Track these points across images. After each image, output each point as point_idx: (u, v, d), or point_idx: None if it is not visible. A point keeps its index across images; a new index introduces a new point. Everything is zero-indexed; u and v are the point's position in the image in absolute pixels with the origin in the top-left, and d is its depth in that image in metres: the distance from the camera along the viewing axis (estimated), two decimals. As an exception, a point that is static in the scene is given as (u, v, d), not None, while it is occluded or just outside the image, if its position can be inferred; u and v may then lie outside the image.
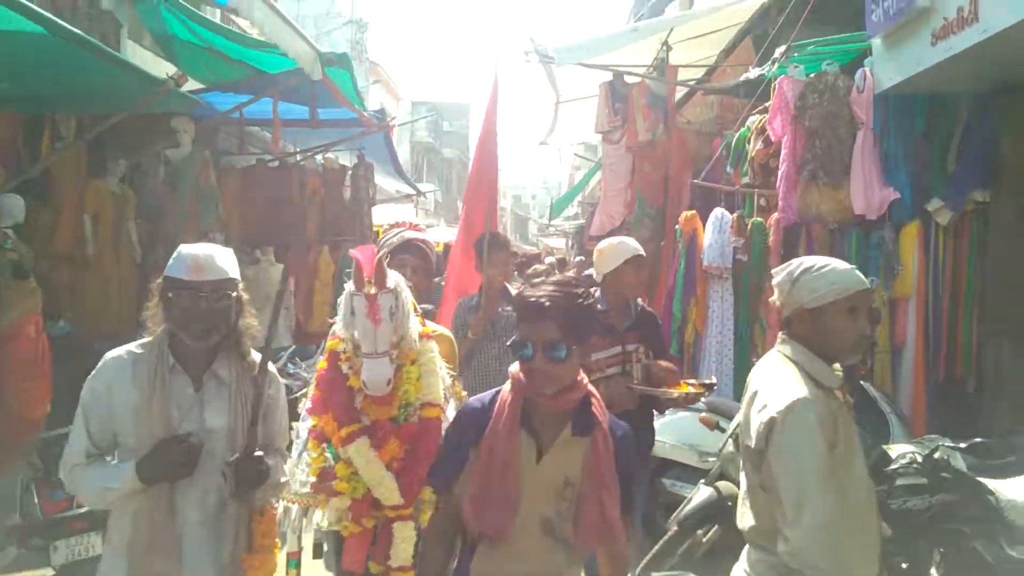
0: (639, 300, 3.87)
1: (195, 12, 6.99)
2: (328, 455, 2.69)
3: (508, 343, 2.11)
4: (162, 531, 2.23)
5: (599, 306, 3.31)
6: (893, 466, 3.34)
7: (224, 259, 2.35)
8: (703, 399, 5.31)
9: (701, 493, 4.22)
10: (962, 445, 3.44)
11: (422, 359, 2.70)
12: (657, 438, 5.06)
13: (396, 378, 2.58)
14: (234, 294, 2.36)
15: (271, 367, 2.49)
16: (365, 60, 22.59)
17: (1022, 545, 3.19)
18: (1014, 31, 3.77)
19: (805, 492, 2.09)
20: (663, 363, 3.55)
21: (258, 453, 2.31)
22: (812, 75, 5.42)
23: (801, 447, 2.11)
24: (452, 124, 38.06)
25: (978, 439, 3.57)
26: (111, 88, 4.73)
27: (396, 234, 3.36)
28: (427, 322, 3.00)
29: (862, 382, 4.92)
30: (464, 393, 3.12)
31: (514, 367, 2.07)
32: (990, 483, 3.29)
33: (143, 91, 4.50)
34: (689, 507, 4.21)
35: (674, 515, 4.32)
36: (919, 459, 3.32)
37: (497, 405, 2.07)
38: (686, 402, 3.61)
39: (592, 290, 3.41)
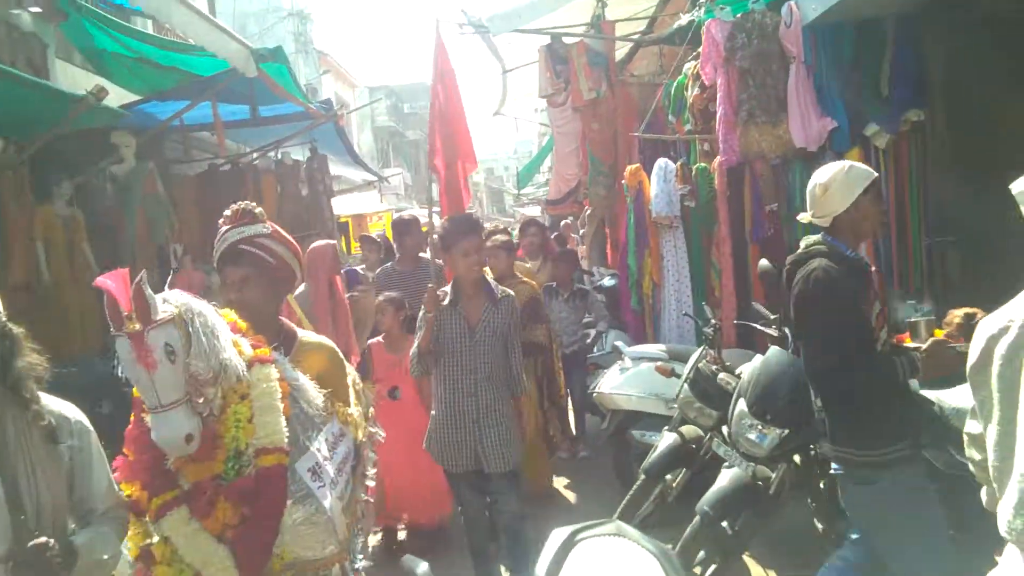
0: None
1: (122, 24, 6.94)
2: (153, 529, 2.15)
3: None
4: None
5: (848, 252, 2.76)
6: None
7: None
8: (663, 347, 5.41)
9: (666, 440, 4.29)
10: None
11: (255, 392, 2.15)
12: (623, 391, 5.18)
13: (219, 424, 2.10)
14: None
15: (73, 413, 2.00)
16: (312, 51, 22.38)
17: (970, 451, 3.27)
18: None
19: None
20: None
21: (40, 540, 1.73)
22: (739, 15, 5.44)
23: None
24: (413, 106, 37.79)
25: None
26: (38, 111, 4.69)
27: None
28: (301, 332, 2.62)
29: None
30: (353, 414, 2.59)
31: None
32: (932, 394, 3.36)
33: (68, 109, 4.47)
34: (655, 454, 4.28)
35: (643, 464, 4.40)
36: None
37: None
38: None
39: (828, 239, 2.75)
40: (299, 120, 8.44)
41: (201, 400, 2.07)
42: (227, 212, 2.51)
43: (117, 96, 7.23)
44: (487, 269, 4.08)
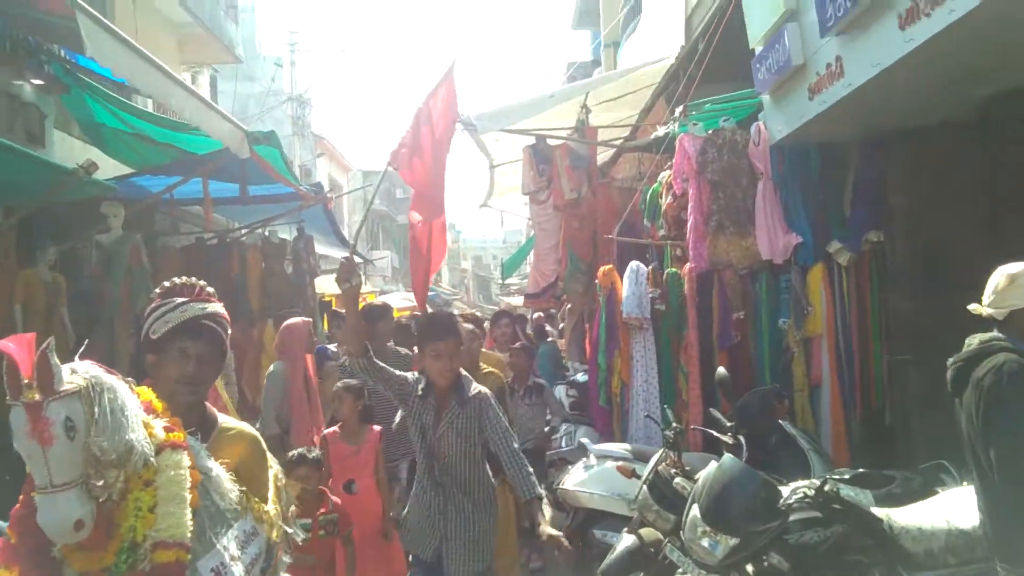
0: None
1: (122, 100, 7.19)
2: None
3: None
4: None
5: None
6: (787, 501, 3.46)
7: None
8: (629, 447, 5.45)
9: (624, 541, 4.29)
10: (847, 476, 3.58)
11: (161, 479, 1.96)
12: (586, 488, 5.19)
13: (117, 510, 1.91)
14: None
15: None
16: (309, 134, 22.96)
17: (919, 571, 3.31)
18: (874, 84, 4.06)
19: None
20: None
21: None
22: (710, 131, 5.72)
23: None
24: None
25: (861, 469, 3.73)
26: (29, 180, 4.83)
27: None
28: (222, 417, 2.43)
29: (780, 421, 5.08)
30: (270, 511, 2.39)
31: None
32: (882, 511, 3.42)
33: (59, 181, 4.60)
34: (614, 556, 4.27)
35: (601, 565, 4.38)
36: (811, 493, 3.45)
37: None
38: None
39: None
40: (289, 200, 8.65)
41: (100, 483, 1.87)
42: (167, 284, 2.34)
43: (111, 167, 7.42)
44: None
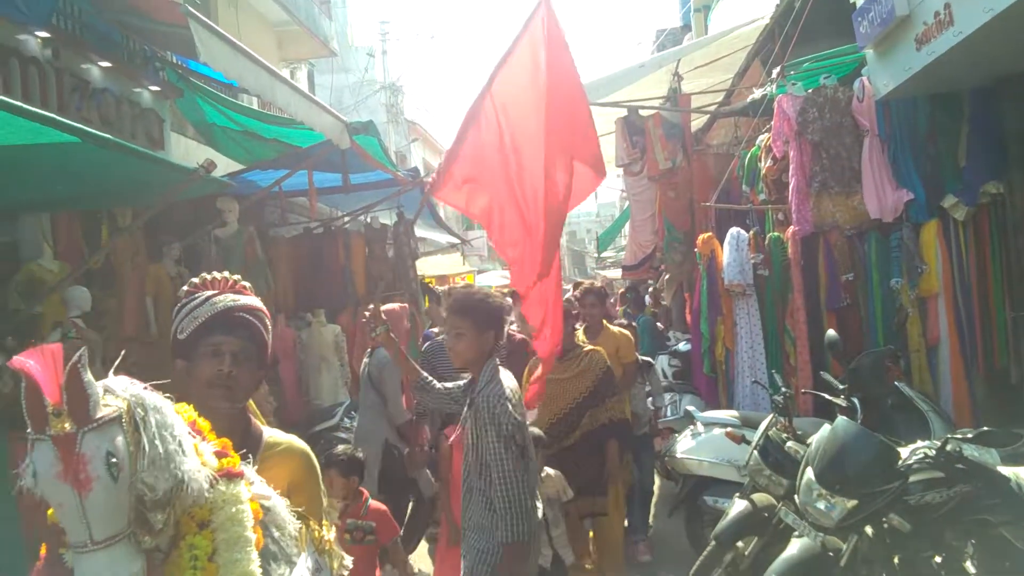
0: None
1: (230, 100, 7.56)
2: None
3: None
4: None
5: None
6: (907, 461, 3.40)
7: None
8: (736, 414, 5.43)
9: (736, 506, 4.29)
10: (969, 435, 3.48)
11: (219, 518, 1.56)
12: (695, 456, 5.21)
13: (168, 563, 1.53)
14: None
15: None
16: (403, 120, 23.41)
17: (1051, 529, 3.21)
18: (987, 30, 3.88)
19: None
20: None
21: None
22: (810, 90, 5.56)
23: None
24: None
25: (985, 428, 3.61)
26: (154, 181, 5.17)
27: None
28: (267, 430, 2.07)
29: (896, 383, 4.95)
30: (330, 539, 2.06)
31: None
32: (1009, 470, 3.31)
33: (181, 180, 4.92)
34: (727, 520, 4.27)
35: (714, 530, 4.40)
36: (932, 452, 3.38)
37: None
38: None
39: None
40: (388, 186, 8.91)
41: (147, 534, 1.47)
42: (195, 280, 2.05)
43: (224, 165, 7.83)
44: None
